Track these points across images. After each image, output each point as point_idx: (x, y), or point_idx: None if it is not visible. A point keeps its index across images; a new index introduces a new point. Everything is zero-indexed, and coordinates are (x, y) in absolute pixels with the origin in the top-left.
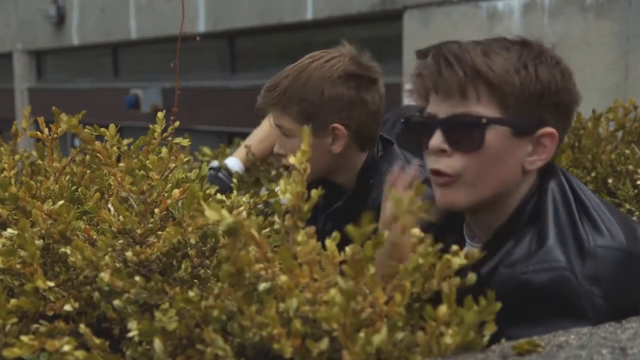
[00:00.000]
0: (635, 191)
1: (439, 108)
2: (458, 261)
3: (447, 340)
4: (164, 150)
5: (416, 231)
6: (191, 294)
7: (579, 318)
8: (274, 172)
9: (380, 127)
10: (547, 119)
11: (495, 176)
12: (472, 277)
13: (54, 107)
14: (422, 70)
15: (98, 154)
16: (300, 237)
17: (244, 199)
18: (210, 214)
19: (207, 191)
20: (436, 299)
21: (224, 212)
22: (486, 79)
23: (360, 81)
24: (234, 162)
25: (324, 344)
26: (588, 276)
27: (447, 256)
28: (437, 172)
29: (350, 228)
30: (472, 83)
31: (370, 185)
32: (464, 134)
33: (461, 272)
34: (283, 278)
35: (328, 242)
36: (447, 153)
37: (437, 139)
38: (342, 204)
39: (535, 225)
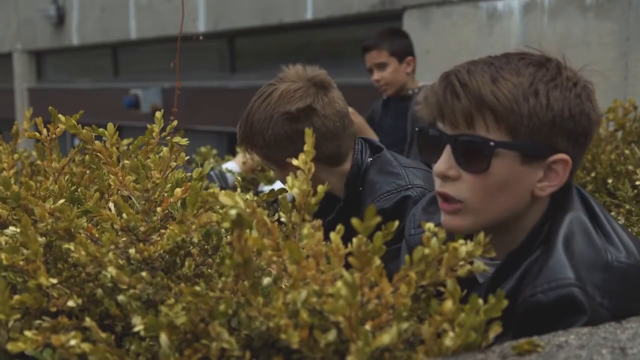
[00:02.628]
0: (635, 191)
1: (447, 130)
2: (465, 249)
3: (448, 342)
4: (165, 149)
5: (430, 225)
6: (197, 288)
7: None
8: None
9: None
10: (559, 145)
11: (502, 202)
12: (478, 264)
13: (50, 108)
14: (430, 97)
15: (98, 154)
16: (306, 230)
17: (247, 196)
18: (225, 199)
19: (210, 190)
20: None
21: (238, 198)
22: (492, 109)
23: (297, 115)
24: (231, 166)
25: (332, 335)
26: (602, 288)
27: (454, 244)
28: (443, 196)
29: (355, 221)
30: (479, 112)
31: (359, 193)
32: (471, 155)
33: (471, 288)
34: (292, 267)
35: (332, 235)
36: (452, 178)
37: (442, 163)
38: (335, 215)
39: (547, 244)
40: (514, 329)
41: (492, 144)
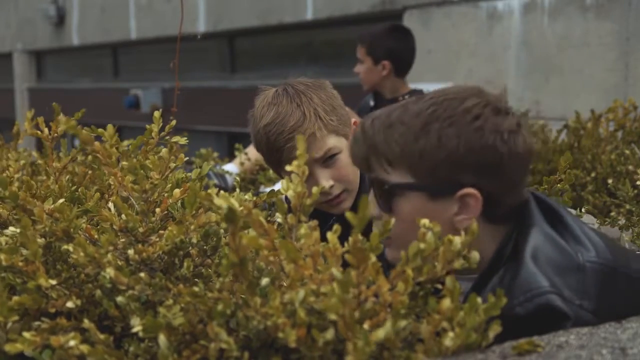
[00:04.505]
0: (635, 191)
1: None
2: (460, 241)
3: (447, 342)
4: (164, 150)
5: (425, 221)
6: (196, 289)
7: None
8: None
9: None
10: (465, 180)
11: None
12: (475, 255)
13: (54, 104)
14: (350, 143)
15: (98, 155)
16: (302, 230)
17: (246, 196)
18: (219, 201)
19: (208, 190)
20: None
21: (233, 199)
22: (384, 153)
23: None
24: (230, 168)
25: (330, 334)
26: (578, 290)
27: (450, 237)
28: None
29: (349, 214)
30: (375, 156)
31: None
32: (380, 196)
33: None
34: (290, 267)
35: (329, 234)
36: (377, 217)
37: (369, 205)
38: (335, 220)
39: (513, 260)
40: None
41: (387, 186)
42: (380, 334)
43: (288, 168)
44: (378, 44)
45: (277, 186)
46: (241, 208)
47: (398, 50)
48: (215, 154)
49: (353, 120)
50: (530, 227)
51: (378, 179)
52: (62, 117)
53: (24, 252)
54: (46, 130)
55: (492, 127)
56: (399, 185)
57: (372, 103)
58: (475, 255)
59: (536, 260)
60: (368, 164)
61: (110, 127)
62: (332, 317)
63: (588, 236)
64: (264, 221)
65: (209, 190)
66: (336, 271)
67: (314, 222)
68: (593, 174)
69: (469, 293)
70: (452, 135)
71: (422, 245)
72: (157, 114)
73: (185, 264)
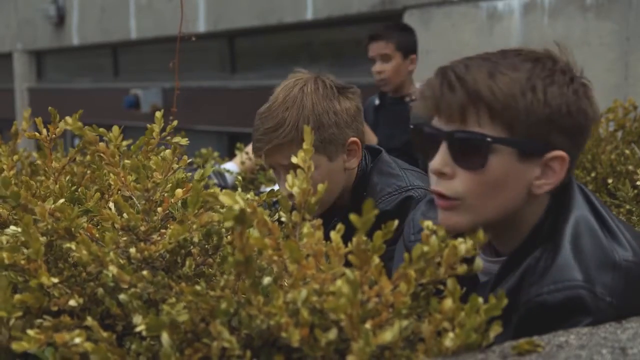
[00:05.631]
0: (635, 191)
1: (442, 126)
2: (464, 247)
3: (447, 343)
4: (168, 151)
5: (429, 223)
6: (198, 287)
7: None
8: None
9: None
10: (557, 142)
11: (499, 199)
12: (478, 262)
13: (50, 108)
14: (425, 91)
15: (102, 154)
16: (306, 229)
17: (248, 195)
18: (224, 199)
19: (210, 189)
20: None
21: (238, 197)
22: (488, 103)
23: (347, 91)
24: (230, 166)
25: (333, 334)
26: (612, 288)
27: (454, 242)
28: (438, 194)
29: (352, 217)
30: (475, 107)
31: (364, 197)
32: (468, 152)
33: (474, 287)
34: (293, 266)
35: (332, 234)
36: (447, 175)
37: (438, 160)
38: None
39: (551, 242)
40: (515, 327)
41: (489, 139)
42: (388, 336)
43: (294, 160)
44: (406, 39)
45: (277, 186)
46: (245, 205)
47: (417, 44)
48: (216, 154)
49: (352, 139)
50: (572, 211)
51: (469, 132)
52: (67, 118)
53: (26, 250)
54: (44, 131)
55: (584, 93)
56: (497, 139)
57: (377, 102)
58: (478, 262)
59: (575, 250)
60: (463, 114)
61: (115, 127)
62: (340, 316)
63: (622, 232)
64: (268, 220)
65: (213, 189)
66: (347, 271)
67: (318, 221)
68: (593, 174)
69: (502, 270)
70: (556, 95)
71: (425, 248)
72: (158, 114)
73: (187, 263)
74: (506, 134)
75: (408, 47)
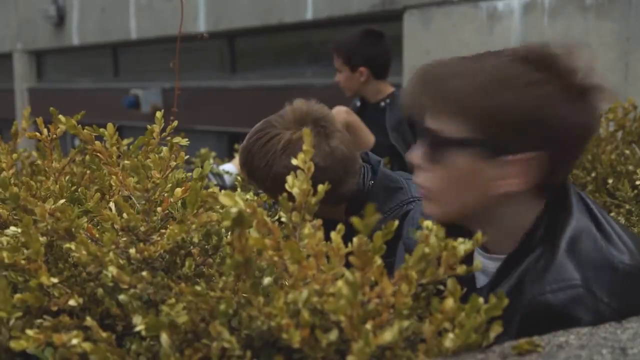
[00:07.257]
0: (635, 192)
1: (421, 121)
2: (464, 247)
3: (448, 343)
4: (165, 149)
5: (428, 223)
6: (198, 288)
7: None
8: None
9: None
10: (528, 144)
11: (463, 196)
12: (477, 263)
13: (51, 108)
14: (406, 88)
15: (99, 154)
16: (307, 230)
17: (247, 195)
18: (224, 199)
19: (209, 190)
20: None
21: (237, 198)
22: (455, 102)
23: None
24: (229, 167)
25: (334, 334)
26: (610, 290)
27: (453, 243)
28: (418, 184)
29: (355, 220)
30: (441, 105)
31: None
32: (433, 148)
33: (472, 289)
34: (293, 267)
35: (333, 234)
36: (422, 168)
37: (414, 153)
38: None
39: (549, 244)
40: (515, 326)
41: (449, 137)
42: (387, 336)
43: (294, 162)
44: (353, 52)
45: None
46: (244, 206)
47: (373, 56)
48: (213, 154)
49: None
50: (570, 215)
51: (434, 129)
52: (61, 117)
53: (26, 250)
54: (45, 131)
55: (571, 97)
56: (459, 139)
57: (358, 104)
58: (477, 262)
59: (572, 251)
60: (431, 112)
61: (110, 126)
62: (340, 317)
63: (619, 235)
64: (268, 221)
65: (212, 190)
66: (347, 272)
67: (318, 222)
68: (593, 174)
69: (500, 271)
70: (532, 96)
71: (426, 250)
72: (159, 114)
73: (186, 263)
74: (471, 133)
75: (356, 61)
